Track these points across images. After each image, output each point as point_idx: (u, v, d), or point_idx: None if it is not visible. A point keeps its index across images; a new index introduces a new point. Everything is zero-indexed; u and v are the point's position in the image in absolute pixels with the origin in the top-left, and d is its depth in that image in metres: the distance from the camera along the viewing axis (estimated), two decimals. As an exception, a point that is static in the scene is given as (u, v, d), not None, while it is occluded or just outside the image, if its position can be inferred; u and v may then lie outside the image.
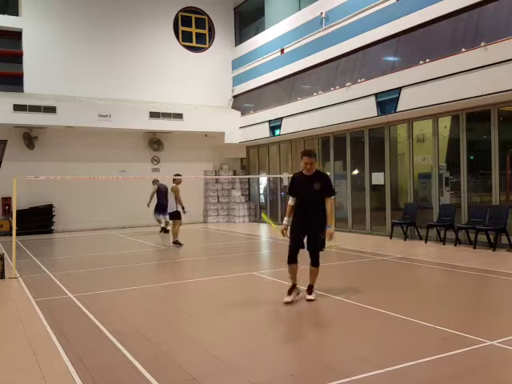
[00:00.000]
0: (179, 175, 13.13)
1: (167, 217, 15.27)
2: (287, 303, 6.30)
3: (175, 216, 12.69)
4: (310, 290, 6.54)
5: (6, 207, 16.69)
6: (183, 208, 12.56)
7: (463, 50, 10.88)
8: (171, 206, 12.73)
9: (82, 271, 9.46)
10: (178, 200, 12.55)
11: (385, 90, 12.84)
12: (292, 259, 6.41)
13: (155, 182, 16.22)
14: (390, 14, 13.20)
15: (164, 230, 16.01)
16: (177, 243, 12.65)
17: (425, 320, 5.42)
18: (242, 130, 19.65)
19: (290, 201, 6.61)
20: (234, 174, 20.47)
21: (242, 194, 20.53)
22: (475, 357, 4.39)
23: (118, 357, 4.58)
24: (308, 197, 6.35)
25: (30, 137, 17.17)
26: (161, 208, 15.60)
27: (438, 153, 12.48)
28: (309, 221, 6.33)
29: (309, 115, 15.68)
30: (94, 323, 5.72)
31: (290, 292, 6.44)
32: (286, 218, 6.57)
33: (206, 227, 18.51)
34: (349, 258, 10.22)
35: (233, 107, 20.66)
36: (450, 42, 11.70)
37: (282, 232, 6.48)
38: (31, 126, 16.77)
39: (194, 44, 20.28)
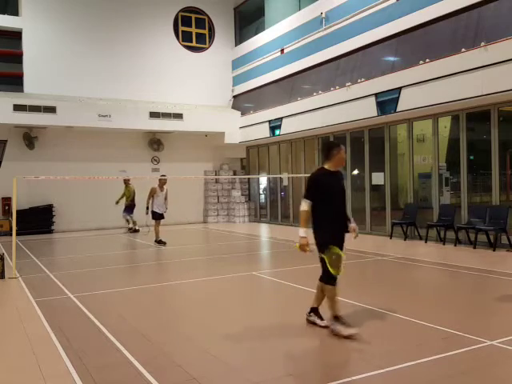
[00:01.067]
0: (164, 176, 13.34)
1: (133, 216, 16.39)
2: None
3: (154, 216, 12.97)
4: (317, 313, 5.42)
5: (6, 207, 16.68)
6: (147, 208, 12.91)
7: (463, 50, 10.88)
8: (153, 207, 12.93)
9: (82, 271, 9.46)
10: (147, 199, 12.96)
11: (385, 90, 12.85)
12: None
13: (127, 181, 16.43)
14: (389, 14, 13.20)
15: (133, 230, 16.51)
16: (160, 242, 12.88)
17: (425, 320, 5.42)
18: (242, 129, 19.66)
19: (307, 206, 5.30)
20: (234, 174, 20.47)
21: (242, 194, 20.53)
22: (475, 357, 4.39)
23: (117, 357, 4.58)
24: (341, 198, 5.56)
25: (30, 137, 17.17)
26: (132, 208, 16.43)
27: (437, 153, 12.48)
28: (344, 227, 5.52)
29: (309, 115, 15.69)
30: (94, 323, 5.72)
31: (344, 323, 5.14)
32: (304, 230, 5.26)
33: (206, 227, 18.51)
34: (349, 257, 10.12)
35: (233, 107, 20.66)
36: (450, 42, 11.70)
37: (305, 248, 5.25)
38: (31, 125, 16.77)
39: (193, 44, 20.28)
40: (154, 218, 12.94)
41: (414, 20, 12.47)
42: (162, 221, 13.21)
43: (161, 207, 12.87)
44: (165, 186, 12.94)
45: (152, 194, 12.80)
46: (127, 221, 16.72)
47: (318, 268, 5.68)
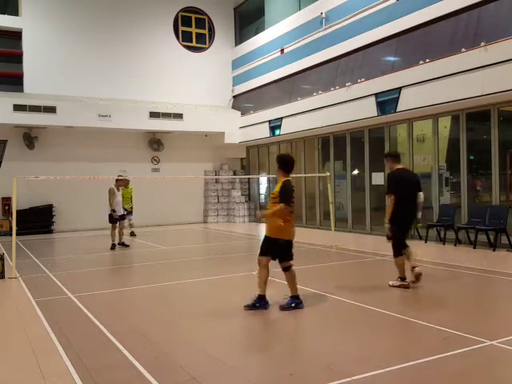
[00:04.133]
0: (121, 176, 13.06)
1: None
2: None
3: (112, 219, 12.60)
4: None
5: (6, 207, 16.68)
6: (113, 211, 12.49)
7: (463, 50, 10.88)
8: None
9: (82, 271, 9.46)
10: (109, 201, 12.52)
11: (385, 90, 12.84)
12: None
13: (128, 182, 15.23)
14: (389, 13, 13.20)
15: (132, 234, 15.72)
16: (113, 247, 12.52)
17: (425, 320, 5.42)
18: (241, 129, 19.65)
19: None
20: (234, 174, 20.47)
21: (242, 194, 20.53)
22: (475, 357, 4.39)
23: (118, 357, 4.58)
24: None
25: (30, 137, 17.17)
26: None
27: (437, 153, 12.48)
28: None
29: (309, 115, 15.68)
30: (94, 323, 5.72)
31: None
32: None
33: (206, 227, 18.51)
34: (349, 257, 10.21)
35: (233, 107, 20.66)
36: (450, 42, 11.70)
37: None
38: (31, 125, 16.77)
39: (193, 44, 20.28)
40: (111, 220, 12.59)
41: (414, 20, 12.47)
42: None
43: (120, 208, 12.63)
44: (121, 188, 12.64)
45: (112, 194, 12.48)
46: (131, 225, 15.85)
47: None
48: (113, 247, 12.51)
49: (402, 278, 7.06)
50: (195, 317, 6.00)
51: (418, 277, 7.02)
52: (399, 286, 7.00)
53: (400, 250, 7.05)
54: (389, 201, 7.06)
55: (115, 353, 4.69)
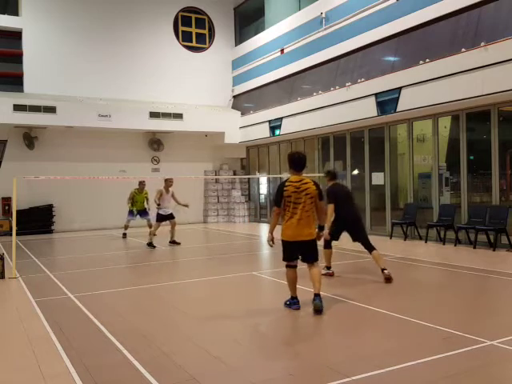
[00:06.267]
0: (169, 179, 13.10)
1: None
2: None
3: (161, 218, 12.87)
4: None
5: (6, 207, 16.69)
6: (158, 205, 12.69)
7: (463, 50, 10.88)
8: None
9: (82, 271, 9.46)
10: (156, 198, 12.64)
11: (385, 90, 12.85)
12: None
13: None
14: (389, 13, 13.20)
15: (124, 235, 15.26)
16: (150, 245, 12.59)
17: (425, 320, 5.42)
18: (242, 129, 19.65)
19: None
20: (234, 174, 20.47)
21: (242, 194, 20.54)
22: (475, 357, 4.39)
23: (118, 357, 4.58)
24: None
25: (29, 137, 17.17)
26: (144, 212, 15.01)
27: (437, 153, 12.48)
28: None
29: (309, 115, 15.69)
30: (94, 323, 5.72)
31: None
32: None
33: (206, 227, 18.51)
34: (349, 258, 10.21)
35: (233, 107, 20.66)
36: (450, 42, 11.70)
37: None
38: (31, 125, 16.77)
39: (194, 44, 20.28)
40: (160, 219, 12.83)
41: (414, 20, 12.47)
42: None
43: (166, 209, 12.72)
44: (170, 189, 12.75)
45: (159, 195, 12.57)
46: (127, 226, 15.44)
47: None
48: (151, 245, 12.53)
49: (328, 267, 8.25)
50: (195, 317, 6.00)
51: (388, 279, 7.64)
52: (325, 274, 8.00)
53: (329, 243, 8.20)
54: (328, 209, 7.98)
55: (115, 353, 4.69)
